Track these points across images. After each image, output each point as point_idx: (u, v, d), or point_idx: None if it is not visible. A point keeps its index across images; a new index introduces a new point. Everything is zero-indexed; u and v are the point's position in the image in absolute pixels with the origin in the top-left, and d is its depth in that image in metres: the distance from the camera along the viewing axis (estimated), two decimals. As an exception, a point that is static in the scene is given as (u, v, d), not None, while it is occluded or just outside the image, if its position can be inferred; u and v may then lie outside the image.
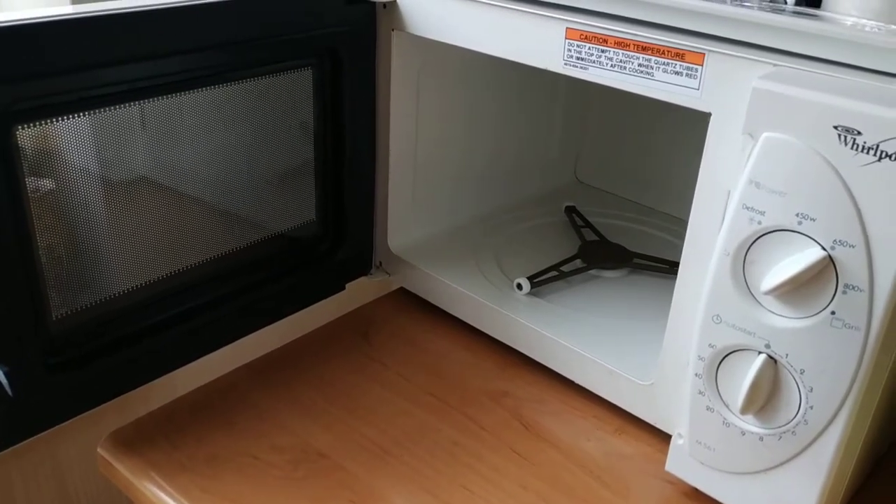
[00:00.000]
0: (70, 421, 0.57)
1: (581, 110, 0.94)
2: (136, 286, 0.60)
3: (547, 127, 0.91)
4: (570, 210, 0.87)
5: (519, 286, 0.72)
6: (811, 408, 0.47)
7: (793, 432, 0.48)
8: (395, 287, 0.79)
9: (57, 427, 0.57)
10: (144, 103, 0.56)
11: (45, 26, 0.48)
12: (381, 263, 0.77)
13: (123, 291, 0.59)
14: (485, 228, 0.84)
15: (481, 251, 0.79)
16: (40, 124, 0.51)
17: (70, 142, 0.53)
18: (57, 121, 0.51)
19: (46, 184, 0.53)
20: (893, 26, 0.47)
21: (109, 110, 0.54)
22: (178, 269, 0.62)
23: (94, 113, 0.53)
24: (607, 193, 0.94)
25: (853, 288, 0.43)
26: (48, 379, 0.54)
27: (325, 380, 0.67)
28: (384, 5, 0.66)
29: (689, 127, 0.84)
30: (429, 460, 0.59)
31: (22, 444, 0.55)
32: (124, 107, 0.55)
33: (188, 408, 0.63)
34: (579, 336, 0.65)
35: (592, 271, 0.76)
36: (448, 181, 0.81)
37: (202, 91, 0.59)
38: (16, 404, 0.52)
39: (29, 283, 0.52)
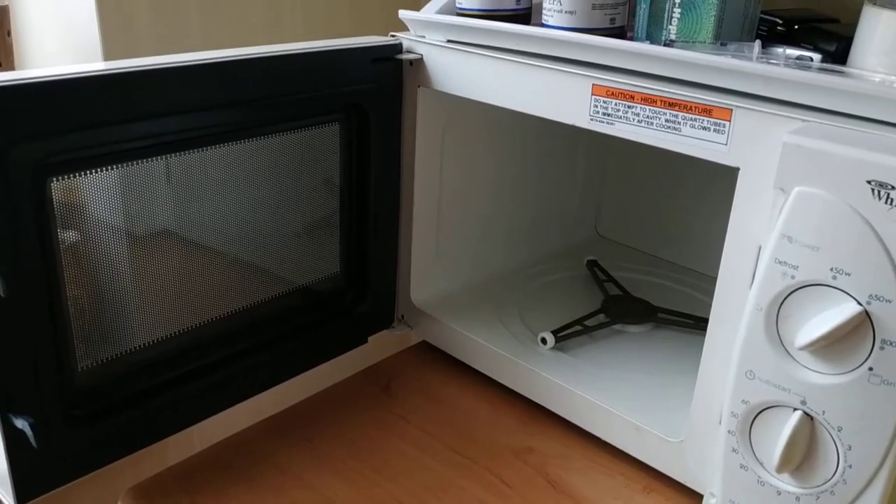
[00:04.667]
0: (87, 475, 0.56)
1: (601, 164, 0.94)
2: (159, 339, 0.60)
3: (568, 181, 0.92)
4: (592, 264, 0.87)
5: (543, 340, 0.71)
6: (850, 467, 0.46)
7: (831, 492, 0.47)
8: (417, 340, 0.79)
9: (76, 481, 0.56)
10: (171, 157, 0.57)
11: (80, 81, 0.49)
12: (403, 317, 0.77)
13: (146, 344, 0.59)
14: (507, 282, 0.84)
15: (504, 305, 0.79)
16: (71, 177, 0.51)
17: (97, 194, 0.53)
18: (87, 174, 0.52)
19: (72, 235, 0.54)
20: (921, 83, 0.47)
21: (136, 164, 0.55)
22: (201, 322, 0.62)
23: (122, 166, 0.54)
24: (628, 248, 0.94)
25: (891, 343, 0.43)
26: (72, 431, 0.54)
27: (347, 434, 0.66)
28: (410, 63, 0.67)
29: (709, 181, 0.84)
30: (454, 518, 0.58)
31: (38, 499, 0.54)
32: (151, 160, 0.56)
33: (207, 463, 0.63)
34: (605, 391, 0.64)
35: (616, 326, 0.76)
36: (471, 235, 0.81)
37: (228, 145, 0.60)
38: (40, 456, 0.52)
39: (57, 334, 0.52)
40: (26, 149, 0.48)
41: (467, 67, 0.64)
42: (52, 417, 0.52)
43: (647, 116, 0.53)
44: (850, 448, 0.46)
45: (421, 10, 0.67)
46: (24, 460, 0.52)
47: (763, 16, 0.60)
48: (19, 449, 0.51)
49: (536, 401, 0.68)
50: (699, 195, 0.87)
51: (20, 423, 0.50)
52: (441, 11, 0.67)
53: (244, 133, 0.61)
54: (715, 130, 0.50)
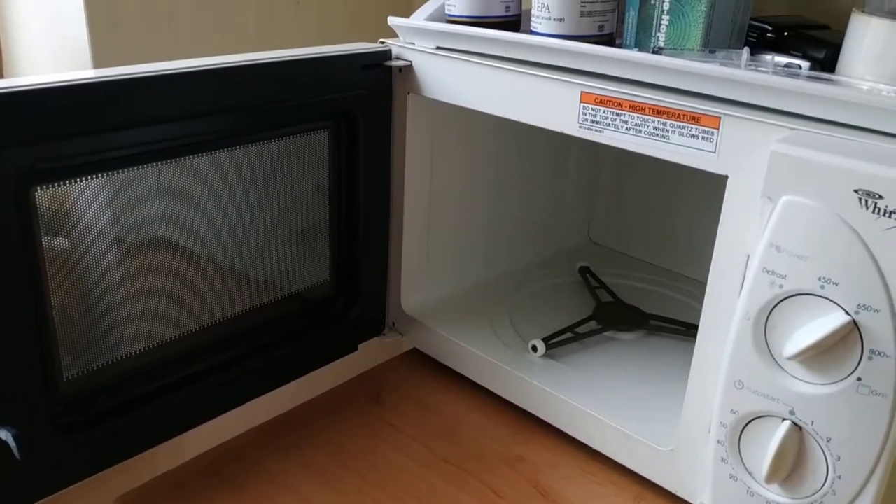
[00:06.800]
0: (75, 485, 0.56)
1: (593, 170, 0.94)
2: (148, 347, 0.59)
3: (560, 187, 0.92)
4: (584, 270, 0.86)
5: (534, 348, 0.71)
6: (839, 477, 0.45)
7: (821, 503, 0.46)
8: (408, 348, 0.78)
9: (63, 491, 0.56)
10: (160, 165, 0.56)
11: (66, 89, 0.49)
12: (394, 324, 0.77)
13: (135, 352, 0.58)
14: (499, 289, 0.83)
15: (495, 312, 0.79)
16: (58, 185, 0.51)
17: (86, 202, 0.53)
18: (74, 182, 0.52)
19: (61, 243, 0.53)
20: (910, 91, 0.47)
21: (125, 171, 0.54)
22: (191, 330, 0.62)
23: (111, 174, 0.54)
24: (620, 254, 0.94)
25: (879, 354, 0.43)
26: (57, 441, 0.54)
27: (337, 443, 0.66)
28: (400, 69, 0.67)
29: (701, 188, 0.84)
30: (443, 528, 0.57)
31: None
32: (140, 168, 0.55)
33: (197, 472, 0.62)
34: (596, 399, 0.64)
35: (608, 333, 0.75)
36: (462, 242, 0.81)
37: (218, 153, 0.60)
38: (24, 466, 0.51)
39: (41, 343, 0.52)
40: (10, 157, 0.47)
41: (456, 74, 0.63)
42: (36, 427, 0.52)
43: (636, 124, 0.53)
44: (839, 458, 0.45)
45: (411, 17, 0.67)
46: (8, 471, 0.51)
47: (753, 22, 0.60)
48: (3, 460, 0.50)
49: (527, 409, 0.68)
50: (692, 202, 0.87)
51: (3, 434, 0.50)
52: (430, 18, 0.66)
53: (234, 140, 0.60)
54: (703, 138, 0.50)
